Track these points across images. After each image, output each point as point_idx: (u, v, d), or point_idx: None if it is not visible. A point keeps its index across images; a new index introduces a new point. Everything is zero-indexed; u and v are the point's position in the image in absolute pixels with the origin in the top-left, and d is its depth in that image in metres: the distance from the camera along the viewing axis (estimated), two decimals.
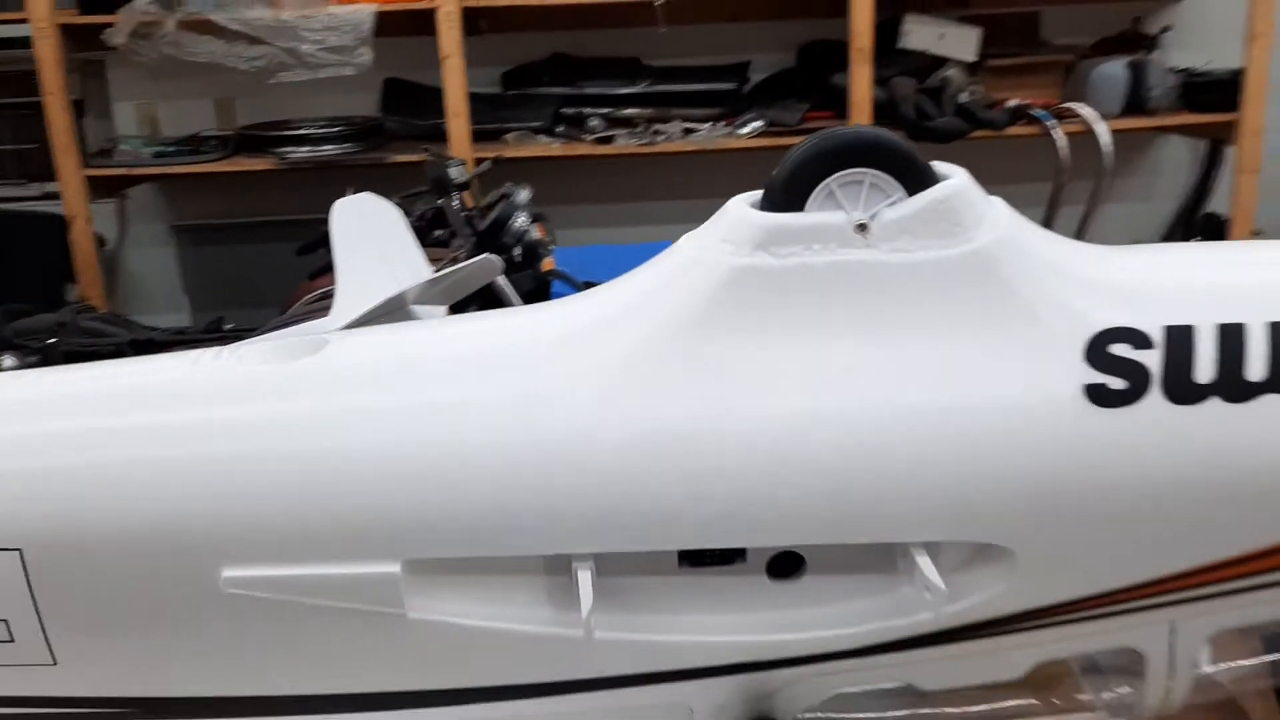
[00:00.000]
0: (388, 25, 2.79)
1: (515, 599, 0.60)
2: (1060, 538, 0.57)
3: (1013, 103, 2.92)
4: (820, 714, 0.68)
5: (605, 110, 3.00)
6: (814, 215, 0.59)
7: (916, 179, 0.59)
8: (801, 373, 0.57)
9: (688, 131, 2.90)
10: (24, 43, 3.03)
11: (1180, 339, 0.56)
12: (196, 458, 0.57)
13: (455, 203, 2.09)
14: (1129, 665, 0.65)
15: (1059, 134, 2.86)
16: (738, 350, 0.57)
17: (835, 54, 2.87)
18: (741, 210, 0.59)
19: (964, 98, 2.91)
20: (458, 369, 0.61)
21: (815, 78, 2.98)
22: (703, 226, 0.61)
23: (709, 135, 2.92)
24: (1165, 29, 2.99)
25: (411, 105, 3.04)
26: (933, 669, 0.62)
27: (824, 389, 0.57)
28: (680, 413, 0.57)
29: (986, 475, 0.56)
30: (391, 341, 0.63)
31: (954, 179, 0.59)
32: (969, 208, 0.58)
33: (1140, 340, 0.57)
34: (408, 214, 1.85)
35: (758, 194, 0.60)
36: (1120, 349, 0.57)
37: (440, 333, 0.66)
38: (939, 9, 3.01)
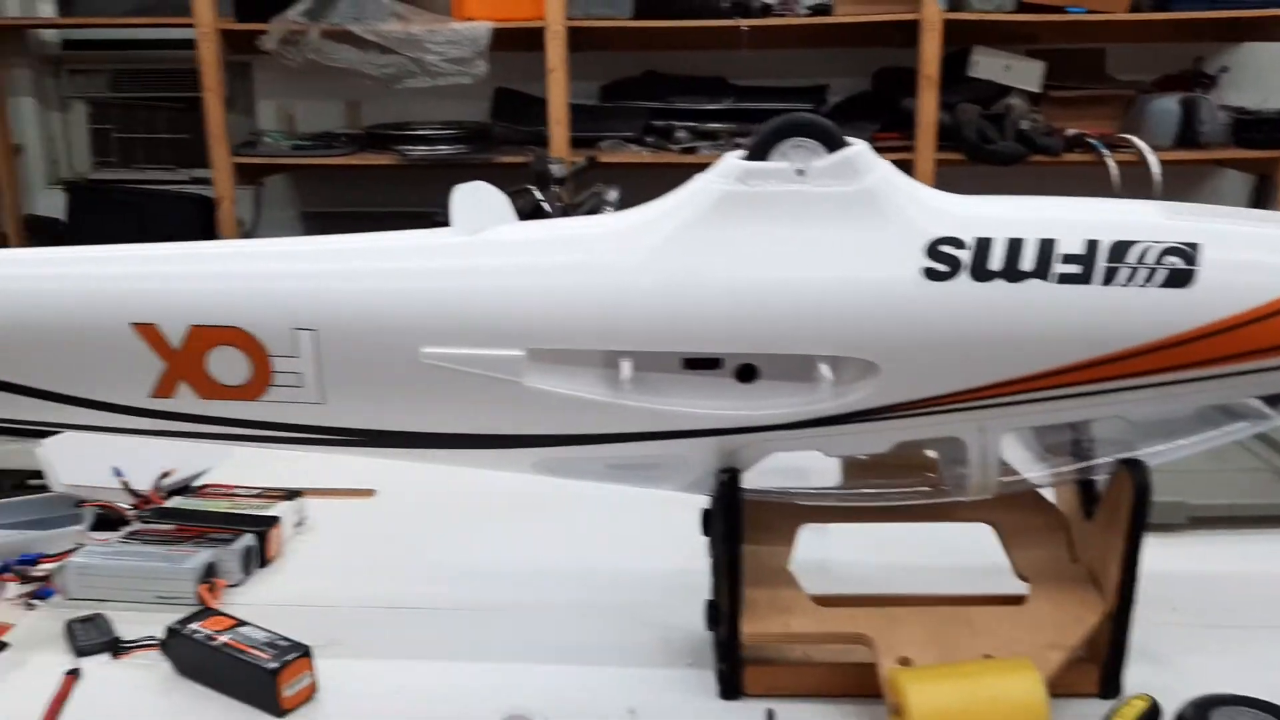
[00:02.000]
0: (501, 40, 3.31)
1: (586, 378, 1.11)
2: (907, 358, 1.06)
3: (1071, 131, 3.27)
4: (770, 487, 1.17)
5: (691, 124, 3.47)
6: (773, 163, 1.09)
7: (835, 145, 1.08)
8: (761, 253, 1.08)
9: None
10: (179, 45, 3.62)
11: (983, 245, 1.05)
12: (417, 281, 1.10)
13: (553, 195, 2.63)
14: (961, 458, 1.12)
15: (1112, 162, 3.24)
16: (724, 239, 1.09)
17: (907, 80, 3.33)
18: (731, 159, 1.10)
19: (1024, 125, 3.30)
20: (564, 242, 1.12)
21: (887, 101, 3.45)
22: (709, 169, 1.12)
23: None
24: (1223, 69, 3.36)
25: (518, 113, 3.59)
26: (832, 441, 1.12)
27: (774, 263, 1.08)
28: (689, 272, 1.08)
29: (865, 316, 1.06)
30: (528, 227, 1.15)
31: (855, 146, 1.08)
32: (863, 162, 1.08)
33: (958, 244, 1.06)
34: None
35: (744, 151, 1.10)
36: (946, 248, 1.06)
37: (558, 224, 1.17)
38: (1009, 43, 3.39)
